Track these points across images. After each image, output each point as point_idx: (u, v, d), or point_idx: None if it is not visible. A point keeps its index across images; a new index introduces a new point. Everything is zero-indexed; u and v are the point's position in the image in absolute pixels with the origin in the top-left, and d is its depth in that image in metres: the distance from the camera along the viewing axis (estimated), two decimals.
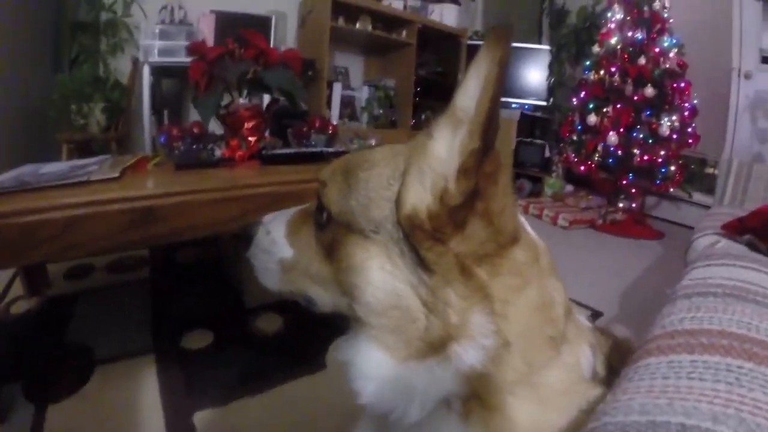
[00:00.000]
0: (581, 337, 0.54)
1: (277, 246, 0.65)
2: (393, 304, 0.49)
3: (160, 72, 3.68)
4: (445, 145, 0.46)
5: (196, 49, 1.63)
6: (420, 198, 0.47)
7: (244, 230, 0.71)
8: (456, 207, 0.46)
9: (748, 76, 3.72)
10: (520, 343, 0.47)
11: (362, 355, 0.52)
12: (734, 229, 1.59)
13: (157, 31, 3.52)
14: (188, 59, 1.69)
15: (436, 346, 0.47)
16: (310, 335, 1.69)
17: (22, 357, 1.52)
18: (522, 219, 0.54)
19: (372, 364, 0.51)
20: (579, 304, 2.14)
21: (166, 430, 1.23)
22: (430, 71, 4.99)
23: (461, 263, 0.47)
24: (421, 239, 0.47)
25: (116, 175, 1.35)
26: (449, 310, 0.47)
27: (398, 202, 0.49)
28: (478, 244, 0.47)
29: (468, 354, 0.46)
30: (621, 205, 3.86)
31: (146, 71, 3.48)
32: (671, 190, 3.78)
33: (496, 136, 0.45)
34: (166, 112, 3.79)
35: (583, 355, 0.53)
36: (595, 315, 2.06)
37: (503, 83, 0.42)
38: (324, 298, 0.60)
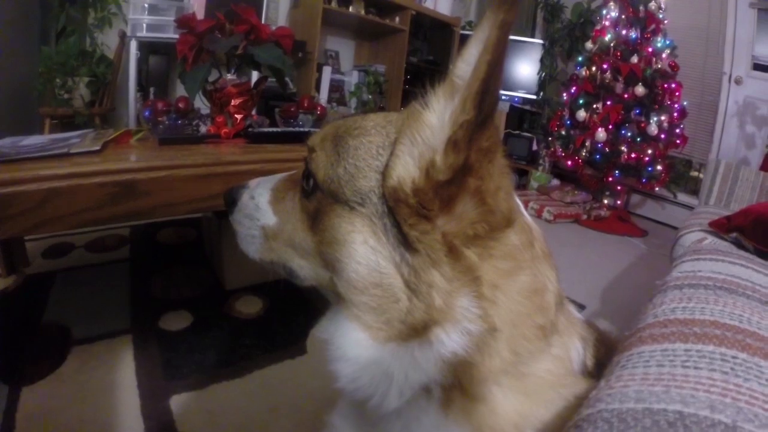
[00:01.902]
0: (572, 328, 0.53)
1: (261, 212, 0.63)
2: (375, 282, 0.47)
3: (147, 48, 3.61)
4: (438, 116, 0.43)
5: (185, 21, 1.59)
6: (406, 170, 0.45)
7: (228, 194, 0.68)
8: (443, 182, 0.43)
9: (738, 82, 3.75)
10: (508, 330, 0.45)
11: (342, 333, 0.50)
12: (721, 227, 1.60)
13: (146, 5, 3.44)
14: (177, 36, 1.64)
15: (418, 330, 0.45)
16: (291, 319, 1.68)
17: None
18: (518, 201, 0.52)
19: (351, 344, 0.49)
20: None
21: (142, 413, 1.21)
22: (421, 59, 4.97)
23: (449, 243, 0.45)
24: (405, 215, 0.45)
25: (98, 148, 1.31)
26: (433, 292, 0.44)
27: (384, 172, 0.47)
28: (468, 223, 0.45)
29: (451, 339, 0.44)
30: (606, 201, 3.89)
31: (133, 46, 3.41)
32: (656, 189, 3.81)
33: (494, 109, 0.42)
34: (152, 90, 3.72)
35: (573, 348, 0.51)
36: (578, 308, 2.06)
37: (505, 50, 0.39)
38: (306, 271, 0.58)
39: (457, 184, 0.43)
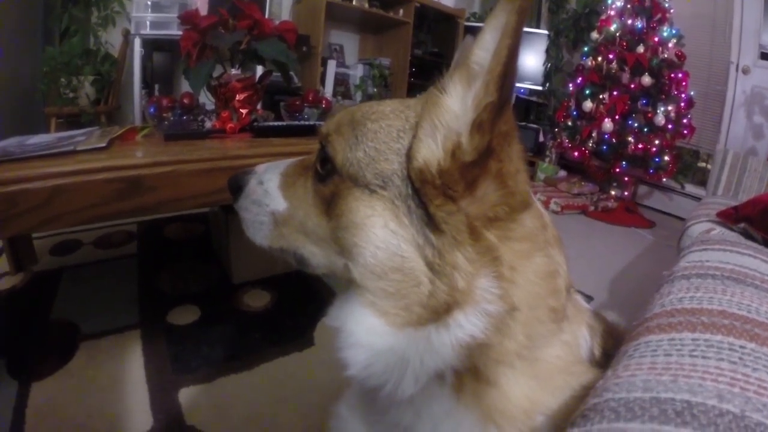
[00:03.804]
0: (580, 316, 0.53)
1: (270, 197, 0.62)
2: (395, 266, 0.47)
3: (151, 45, 3.62)
4: (459, 100, 0.45)
5: (188, 17, 1.59)
6: (432, 152, 0.46)
7: (234, 180, 0.67)
8: (468, 164, 0.44)
9: (746, 71, 3.71)
10: (524, 311, 0.46)
11: (355, 320, 0.49)
12: (729, 217, 1.59)
13: (149, 3, 3.45)
14: (180, 32, 1.64)
15: (440, 313, 0.45)
16: (298, 312, 1.68)
17: (7, 333, 1.49)
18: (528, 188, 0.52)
19: (366, 331, 0.48)
20: None
21: (151, 407, 1.22)
22: (426, 51, 4.96)
23: (471, 225, 0.45)
24: (431, 195, 0.46)
25: (103, 145, 1.32)
26: (456, 273, 0.45)
27: (409, 155, 0.47)
28: (489, 206, 0.46)
29: (469, 322, 0.45)
30: (613, 192, 3.87)
31: (137, 44, 3.42)
32: (664, 180, 3.78)
33: (511, 93, 0.44)
34: (157, 87, 3.73)
35: (581, 335, 0.51)
36: (585, 300, 2.06)
37: (521, 34, 0.40)
38: (318, 258, 0.57)
39: (481, 166, 0.45)
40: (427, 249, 0.46)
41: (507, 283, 0.45)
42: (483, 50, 0.42)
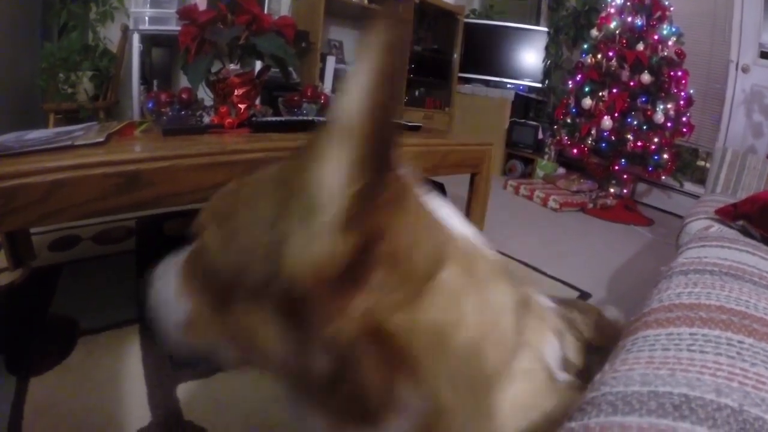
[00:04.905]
0: (543, 327, 0.47)
1: (169, 306, 0.51)
2: (299, 375, 0.41)
3: (150, 40, 3.62)
4: (327, 182, 0.33)
5: (186, 12, 1.59)
6: (302, 252, 0.35)
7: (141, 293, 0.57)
8: (351, 263, 0.35)
9: (745, 70, 3.72)
10: (459, 394, 0.39)
11: (304, 419, 0.45)
12: (728, 215, 1.59)
13: None
14: (179, 28, 1.64)
15: (372, 418, 0.39)
16: None
17: (5, 329, 1.49)
18: (448, 211, 0.45)
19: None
20: (567, 285, 2.15)
21: (149, 402, 1.21)
22: (425, 48, 4.94)
23: (370, 323, 0.36)
24: (313, 300, 0.36)
25: (102, 139, 1.31)
26: (368, 384, 0.38)
27: (280, 255, 0.36)
28: (388, 292, 0.37)
29: (401, 426, 0.39)
30: (612, 190, 3.87)
31: (136, 39, 3.42)
32: (663, 178, 3.79)
33: (393, 150, 0.34)
34: (155, 82, 3.73)
35: (546, 351, 0.45)
36: (584, 297, 2.06)
37: (395, 83, 0.31)
38: (233, 358, 0.49)
39: (367, 258, 0.36)
40: (326, 360, 0.38)
41: (426, 382, 0.38)
42: (348, 108, 0.32)
